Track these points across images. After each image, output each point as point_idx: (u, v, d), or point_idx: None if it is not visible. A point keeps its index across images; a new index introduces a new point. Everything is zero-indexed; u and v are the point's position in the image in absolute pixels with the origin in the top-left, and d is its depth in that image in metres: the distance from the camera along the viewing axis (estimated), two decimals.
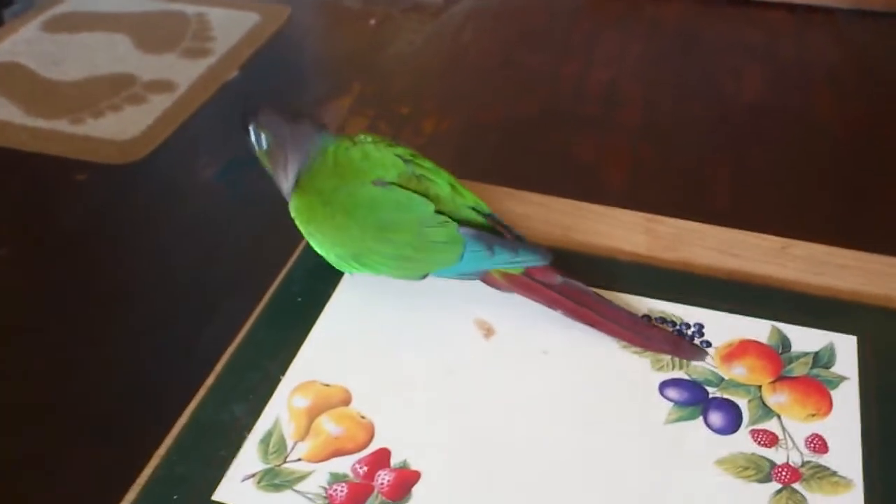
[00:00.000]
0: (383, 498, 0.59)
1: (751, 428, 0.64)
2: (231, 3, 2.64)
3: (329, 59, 2.54)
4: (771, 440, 0.63)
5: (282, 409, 0.64)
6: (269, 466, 0.60)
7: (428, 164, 0.73)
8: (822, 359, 0.69)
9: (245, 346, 0.69)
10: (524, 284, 0.70)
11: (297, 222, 0.72)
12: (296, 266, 0.77)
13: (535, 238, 0.79)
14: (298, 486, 0.59)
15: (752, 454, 0.62)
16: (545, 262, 0.70)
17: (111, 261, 1.81)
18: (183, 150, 2.08)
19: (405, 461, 0.61)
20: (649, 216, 0.83)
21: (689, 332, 0.71)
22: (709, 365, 0.69)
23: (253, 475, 0.60)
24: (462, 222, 0.70)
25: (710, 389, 0.67)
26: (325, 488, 0.59)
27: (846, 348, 0.70)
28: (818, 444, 0.63)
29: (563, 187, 0.86)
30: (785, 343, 0.70)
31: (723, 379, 0.68)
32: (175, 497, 0.58)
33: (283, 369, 0.67)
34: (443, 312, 0.73)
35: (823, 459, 0.62)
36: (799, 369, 0.68)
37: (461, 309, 0.73)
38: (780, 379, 0.68)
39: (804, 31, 2.56)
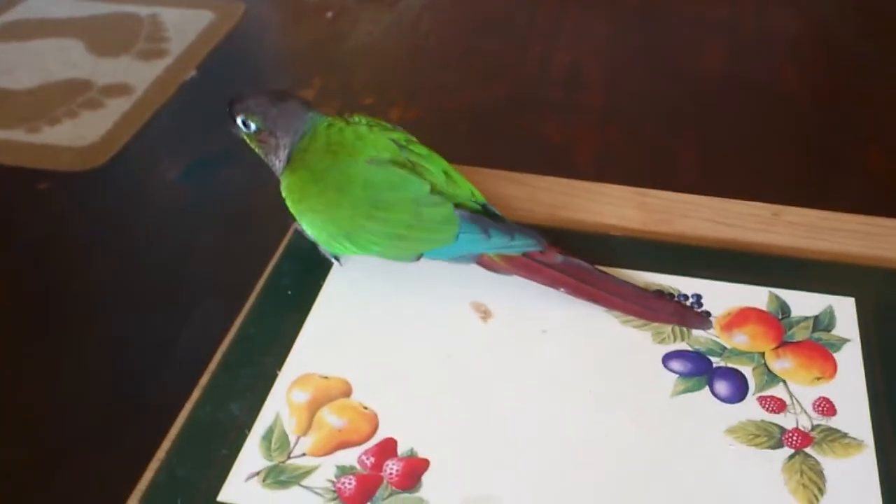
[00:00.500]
0: (393, 488, 0.57)
1: (758, 395, 0.63)
2: (184, 2, 2.60)
3: (288, 53, 2.51)
4: (779, 406, 0.63)
5: (281, 404, 0.63)
6: (273, 463, 0.59)
7: (423, 150, 0.71)
8: (823, 322, 0.69)
9: (238, 342, 0.67)
10: (525, 266, 0.69)
11: (288, 201, 0.71)
12: (283, 259, 0.75)
13: (523, 218, 0.78)
14: (305, 482, 0.58)
15: (762, 421, 0.62)
16: (540, 248, 0.69)
17: (81, 268, 1.78)
18: (145, 153, 2.05)
19: (412, 450, 0.60)
20: (639, 189, 0.82)
21: (688, 303, 0.70)
22: (710, 335, 0.68)
23: (257, 473, 0.58)
24: (457, 206, 0.68)
25: (713, 359, 0.66)
26: (332, 482, 0.58)
27: (845, 310, 0.69)
28: (826, 406, 0.63)
29: (534, 170, 0.85)
30: (784, 308, 0.70)
31: (725, 348, 0.67)
32: (179, 500, 0.56)
33: (279, 364, 0.66)
34: (438, 298, 0.71)
35: (833, 422, 0.62)
36: (800, 334, 0.68)
37: (456, 293, 0.71)
38: (783, 345, 0.67)
39: (764, 6, 2.56)
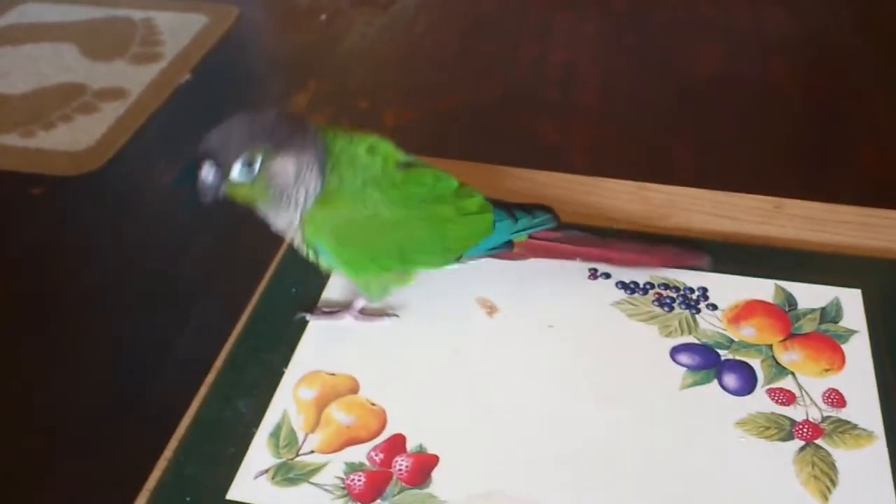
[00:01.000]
0: (403, 484, 0.57)
1: (766, 387, 0.63)
2: (177, 6, 2.59)
3: (282, 56, 2.51)
4: (788, 398, 0.62)
5: (288, 401, 0.62)
6: (281, 461, 0.58)
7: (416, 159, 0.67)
8: (830, 314, 0.68)
9: (243, 340, 0.67)
10: (540, 247, 0.70)
11: (326, 233, 0.62)
12: (286, 257, 0.74)
13: None
14: (314, 479, 0.57)
15: (772, 413, 0.61)
16: (557, 222, 0.70)
17: (77, 272, 1.77)
18: (140, 157, 2.04)
19: (421, 445, 0.59)
20: (639, 184, 0.82)
21: (694, 296, 0.70)
22: (718, 328, 0.67)
23: (266, 471, 0.58)
24: None
25: (721, 352, 0.66)
26: (342, 479, 0.57)
27: (852, 302, 0.69)
28: (836, 398, 0.62)
29: (531, 169, 0.85)
30: (791, 301, 0.70)
31: (733, 341, 0.67)
32: (188, 499, 0.56)
33: (286, 362, 0.65)
34: (443, 294, 0.71)
35: (843, 413, 0.61)
36: (807, 326, 0.67)
37: (461, 289, 0.71)
38: (791, 337, 0.67)
39: (757, 5, 2.57)
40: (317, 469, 0.58)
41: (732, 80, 2.25)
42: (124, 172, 2.00)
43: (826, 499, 0.56)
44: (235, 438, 0.60)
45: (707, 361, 0.65)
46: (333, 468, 0.58)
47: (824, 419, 0.61)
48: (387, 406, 0.62)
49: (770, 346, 0.66)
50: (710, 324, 0.68)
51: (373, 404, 0.62)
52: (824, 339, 0.67)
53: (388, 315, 0.69)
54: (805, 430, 0.60)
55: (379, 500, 0.56)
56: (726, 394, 0.63)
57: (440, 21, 2.58)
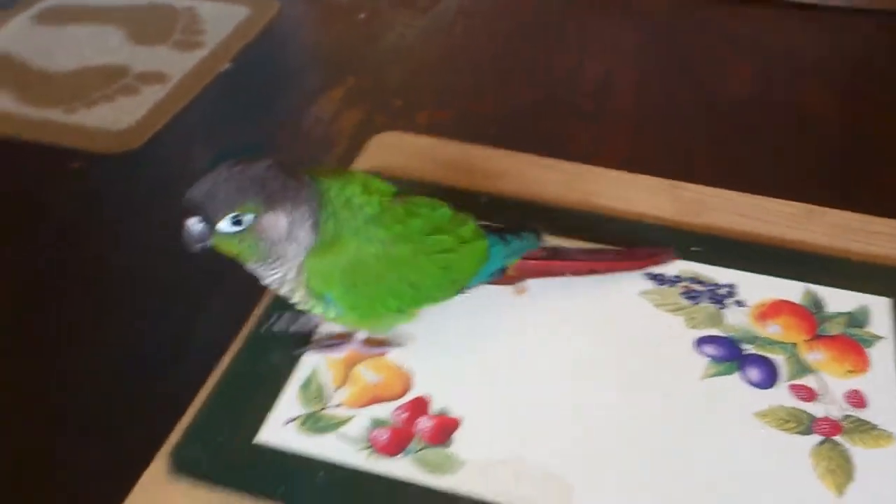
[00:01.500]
0: (425, 442, 0.58)
1: (789, 383, 0.64)
2: None
3: (320, 52, 2.53)
4: (809, 394, 0.63)
5: (319, 359, 0.64)
6: (310, 411, 0.60)
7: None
8: (857, 319, 0.69)
9: (277, 301, 0.68)
10: (532, 268, 0.69)
11: (333, 281, 0.59)
12: None
13: (557, 202, 0.79)
14: (341, 430, 0.59)
15: (793, 408, 0.62)
16: (542, 240, 0.69)
17: (106, 250, 1.79)
18: (177, 140, 2.06)
19: (444, 409, 0.61)
20: (673, 182, 0.83)
21: (722, 292, 0.71)
22: (743, 323, 0.68)
23: (295, 419, 0.59)
24: None
25: (745, 346, 0.67)
26: (367, 432, 0.59)
27: (880, 309, 0.70)
28: (857, 399, 0.63)
29: None
30: (818, 304, 0.70)
31: (758, 336, 0.67)
32: (219, 439, 0.58)
33: (318, 323, 0.67)
34: None
35: (863, 413, 0.62)
36: (834, 328, 0.68)
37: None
38: (816, 338, 0.68)
39: (791, 25, 2.57)
40: (343, 422, 0.59)
41: (767, 99, 2.25)
42: (161, 154, 2.03)
43: (841, 493, 0.57)
44: (267, 389, 0.61)
45: (731, 354, 0.66)
46: (359, 422, 0.59)
47: (844, 417, 0.62)
48: (413, 370, 0.63)
49: (795, 345, 0.67)
50: (736, 319, 0.69)
51: (400, 367, 0.63)
52: (850, 342, 0.67)
53: (393, 345, 0.66)
54: (825, 426, 0.61)
55: (401, 455, 0.58)
56: (748, 386, 0.64)
57: (479, 25, 2.59)
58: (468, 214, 0.65)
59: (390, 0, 2.69)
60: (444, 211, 0.63)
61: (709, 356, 0.66)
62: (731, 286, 0.72)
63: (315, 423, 0.59)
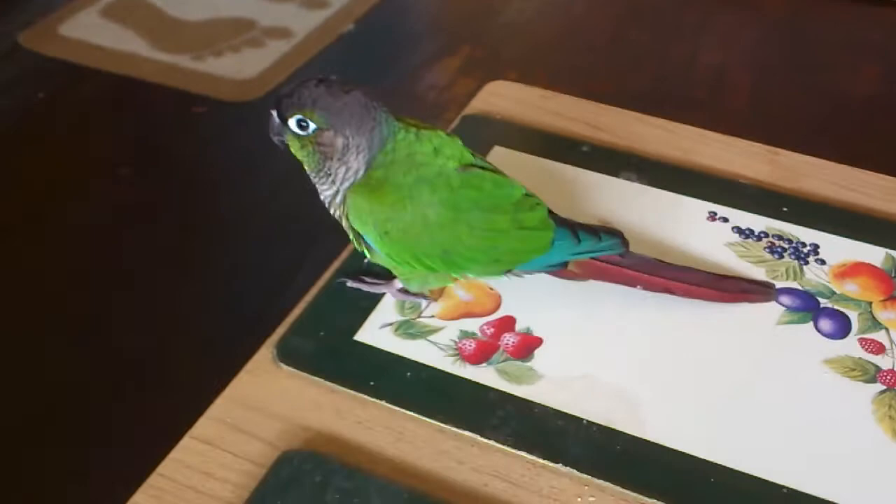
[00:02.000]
0: (507, 355, 0.63)
1: (859, 336, 0.67)
2: None
3: (440, 21, 2.59)
4: (878, 349, 0.66)
5: None
6: (405, 319, 0.66)
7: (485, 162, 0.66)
8: None
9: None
10: (600, 269, 0.66)
11: (368, 223, 0.62)
12: None
13: (659, 158, 0.83)
14: (431, 337, 0.64)
15: (860, 358, 0.65)
16: (626, 249, 0.67)
17: (217, 196, 1.90)
18: None
19: (528, 328, 0.66)
20: (771, 148, 0.86)
21: (805, 250, 0.74)
22: (821, 279, 0.71)
23: (391, 324, 0.65)
24: None
25: (821, 300, 0.70)
26: (455, 341, 0.64)
27: None
28: None
29: None
30: None
31: (834, 292, 0.70)
32: (321, 333, 0.64)
33: None
34: (568, 209, 0.76)
35: None
36: None
37: (586, 206, 0.77)
38: (891, 298, 0.70)
39: None
40: (435, 330, 0.65)
41: (886, 104, 2.22)
42: None
43: None
44: (367, 295, 0.67)
45: (807, 305, 0.69)
46: (449, 332, 0.65)
47: None
48: (503, 293, 0.68)
49: (869, 304, 0.70)
50: (815, 275, 0.72)
51: (490, 288, 0.69)
52: None
53: (426, 298, 0.68)
54: (889, 377, 0.64)
55: (485, 364, 0.63)
56: (820, 335, 0.67)
57: (598, 6, 2.62)
58: (542, 203, 0.65)
59: None
60: (514, 192, 0.63)
61: (785, 306, 0.69)
62: (815, 245, 0.74)
63: (408, 329, 0.65)
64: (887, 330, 0.68)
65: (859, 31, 2.50)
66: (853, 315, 0.69)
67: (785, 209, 0.77)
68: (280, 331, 0.65)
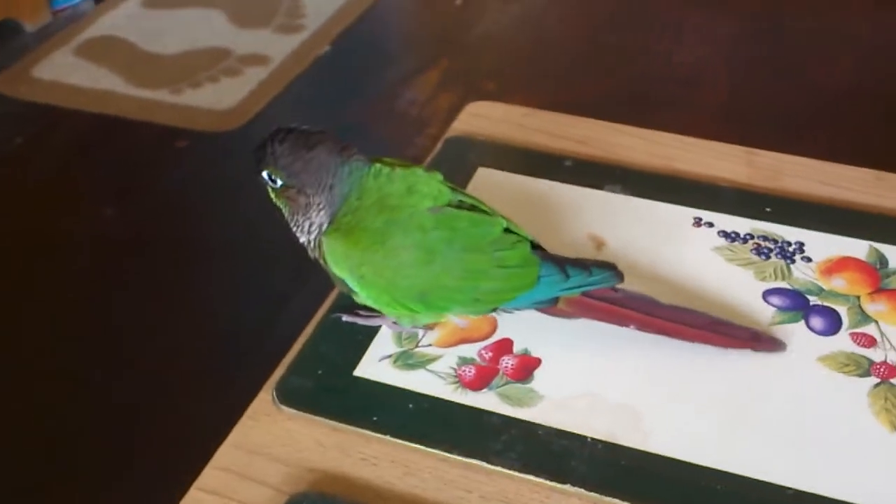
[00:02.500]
0: (508, 378, 0.64)
1: (850, 331, 0.68)
2: None
3: (417, 36, 2.61)
4: (870, 342, 0.67)
5: None
6: (403, 349, 0.66)
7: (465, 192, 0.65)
8: None
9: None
10: (589, 306, 0.65)
11: (342, 267, 0.62)
12: None
13: (640, 167, 0.84)
14: (431, 366, 0.65)
15: (852, 353, 0.66)
16: (619, 281, 0.64)
17: (208, 225, 1.91)
18: (278, 120, 2.13)
19: (526, 349, 0.67)
20: (748, 149, 0.87)
21: (791, 249, 0.75)
22: (809, 276, 0.73)
23: (389, 356, 0.66)
24: None
25: (810, 298, 0.71)
26: (454, 368, 0.65)
27: None
28: None
29: None
30: (882, 260, 0.74)
31: (823, 289, 0.72)
32: (320, 371, 0.65)
33: None
34: (556, 227, 0.77)
35: None
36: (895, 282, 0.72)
37: (575, 223, 0.78)
38: (879, 291, 0.71)
39: (888, 17, 2.54)
40: (433, 359, 0.66)
41: (862, 95, 2.24)
42: (262, 133, 2.09)
43: (895, 429, 0.61)
44: (364, 328, 0.68)
45: (796, 304, 0.70)
46: (448, 360, 0.66)
47: None
48: (498, 315, 0.69)
49: (858, 297, 0.71)
50: (802, 273, 0.73)
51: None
52: None
53: (423, 328, 0.68)
54: (882, 369, 0.65)
55: (486, 389, 0.64)
56: (812, 333, 0.68)
57: (572, 13, 2.64)
58: (524, 239, 0.64)
59: None
60: (493, 230, 0.63)
61: (775, 306, 0.70)
62: (800, 243, 0.76)
63: (407, 359, 0.66)
64: (877, 322, 0.69)
65: (834, 21, 2.52)
66: (843, 310, 0.70)
67: (768, 209, 0.79)
68: (278, 372, 0.65)
